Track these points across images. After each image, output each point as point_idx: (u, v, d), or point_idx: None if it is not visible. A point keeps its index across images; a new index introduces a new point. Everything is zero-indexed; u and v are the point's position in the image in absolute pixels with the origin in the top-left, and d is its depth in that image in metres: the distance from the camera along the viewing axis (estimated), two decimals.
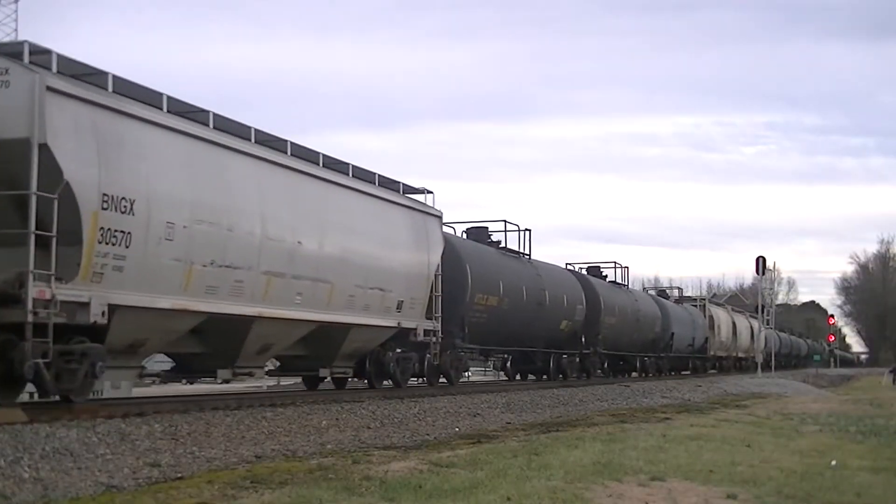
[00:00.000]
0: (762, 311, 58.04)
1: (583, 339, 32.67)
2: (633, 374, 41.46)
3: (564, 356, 31.49)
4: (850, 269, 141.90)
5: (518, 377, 31.08)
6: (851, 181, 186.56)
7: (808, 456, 12.26)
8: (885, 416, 20.28)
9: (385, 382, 21.08)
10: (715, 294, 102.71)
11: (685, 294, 58.24)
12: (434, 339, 21.50)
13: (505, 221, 28.05)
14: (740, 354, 60.56)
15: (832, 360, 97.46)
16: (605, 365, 37.91)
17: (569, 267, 35.69)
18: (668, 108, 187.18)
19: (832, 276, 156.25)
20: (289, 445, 11.43)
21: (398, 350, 20.83)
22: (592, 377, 34.05)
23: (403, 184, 20.85)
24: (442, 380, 23.57)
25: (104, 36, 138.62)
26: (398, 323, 19.76)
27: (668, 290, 54.54)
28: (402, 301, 19.84)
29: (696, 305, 53.41)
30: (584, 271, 36.61)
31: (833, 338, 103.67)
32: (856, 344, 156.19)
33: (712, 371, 53.65)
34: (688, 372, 49.36)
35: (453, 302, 22.55)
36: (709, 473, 9.96)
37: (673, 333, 43.80)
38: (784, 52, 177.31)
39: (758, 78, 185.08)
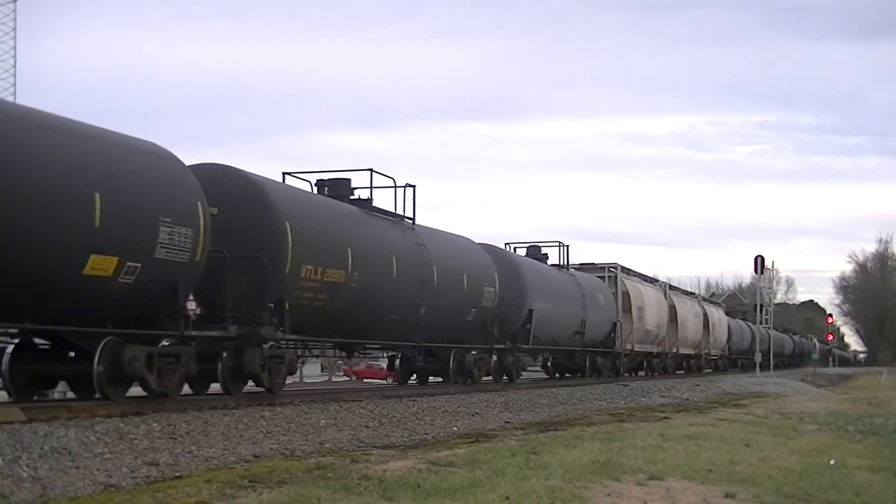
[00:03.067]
0: (760, 310, 57.75)
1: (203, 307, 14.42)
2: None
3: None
4: (847, 268, 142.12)
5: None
6: (847, 180, 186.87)
7: (807, 455, 12.25)
8: (884, 416, 20.28)
9: None
10: (714, 293, 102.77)
11: (589, 262, 37.67)
12: None
13: None
14: (685, 350, 45.52)
15: (830, 359, 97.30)
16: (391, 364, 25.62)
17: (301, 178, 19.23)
18: (663, 108, 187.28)
19: (829, 275, 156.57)
20: (287, 445, 11.43)
21: None
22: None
23: None
24: None
25: (100, 35, 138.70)
26: None
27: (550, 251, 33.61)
28: None
29: (603, 277, 35.75)
30: (317, 190, 19.34)
31: (832, 337, 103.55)
32: (854, 343, 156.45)
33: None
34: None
35: None
36: (707, 473, 9.95)
37: (531, 311, 26.47)
38: (776, 52, 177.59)
39: (751, 78, 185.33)
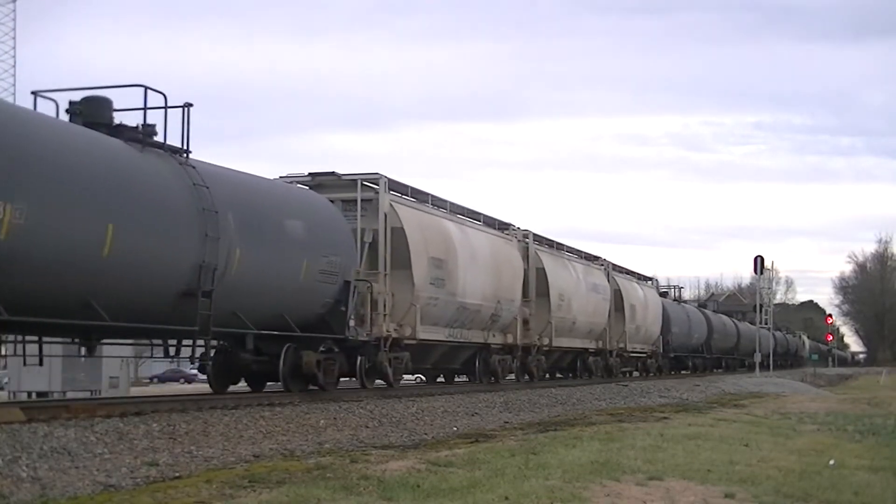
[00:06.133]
0: (760, 310, 57.46)
1: None
2: None
3: None
4: (847, 268, 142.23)
5: None
6: (843, 181, 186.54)
7: (806, 455, 12.25)
8: (883, 416, 20.28)
9: None
10: (713, 294, 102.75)
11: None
12: None
13: None
14: (570, 343, 30.65)
15: (830, 359, 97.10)
16: None
17: None
18: (657, 109, 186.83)
19: (828, 275, 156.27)
20: (287, 445, 11.43)
21: None
22: None
23: None
24: None
25: (96, 35, 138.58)
26: None
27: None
28: None
29: (352, 202, 19.54)
30: None
31: (831, 337, 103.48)
32: (854, 343, 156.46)
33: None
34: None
35: None
36: (707, 473, 9.95)
37: None
38: (770, 53, 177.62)
39: (744, 78, 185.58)
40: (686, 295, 62.20)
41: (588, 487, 8.70)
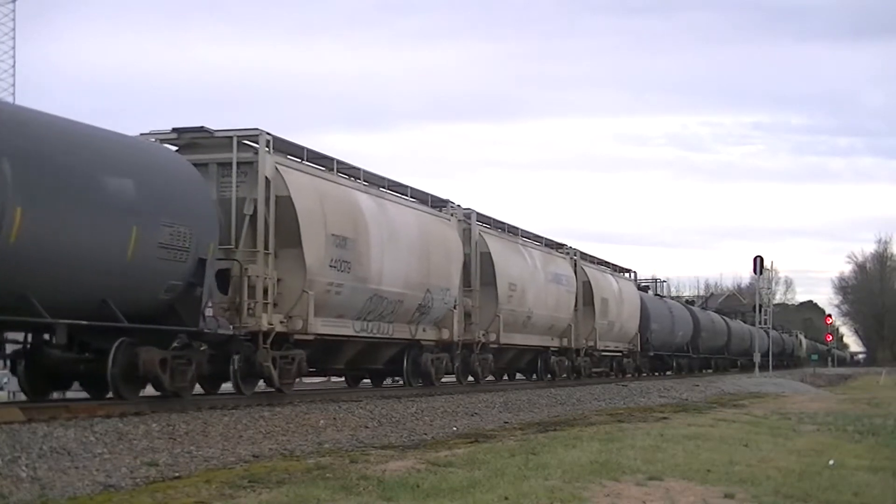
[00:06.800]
0: (759, 311, 57.34)
1: None
2: None
3: None
4: (846, 268, 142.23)
5: None
6: (842, 181, 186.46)
7: (806, 455, 12.25)
8: (883, 416, 20.28)
9: None
10: (713, 294, 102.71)
11: None
12: None
13: None
14: (524, 340, 27.07)
15: (829, 359, 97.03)
16: None
17: None
18: (656, 109, 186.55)
19: (827, 275, 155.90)
20: (286, 445, 11.43)
21: None
22: None
23: None
24: None
25: (94, 36, 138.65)
26: None
27: None
28: None
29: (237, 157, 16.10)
30: None
31: (831, 337, 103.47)
32: (853, 343, 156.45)
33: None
34: None
35: None
36: (706, 473, 9.95)
37: None
38: (768, 53, 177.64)
39: (743, 78, 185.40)
40: (686, 295, 61.51)
41: (588, 487, 8.70)
